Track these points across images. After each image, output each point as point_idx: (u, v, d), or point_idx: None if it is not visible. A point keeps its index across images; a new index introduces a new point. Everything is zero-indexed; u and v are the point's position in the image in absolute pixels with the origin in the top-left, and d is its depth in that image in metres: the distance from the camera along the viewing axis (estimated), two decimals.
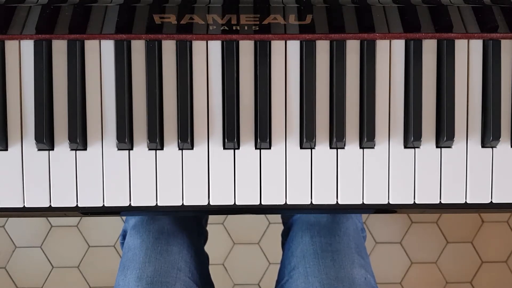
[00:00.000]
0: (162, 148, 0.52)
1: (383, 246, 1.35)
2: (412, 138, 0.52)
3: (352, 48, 0.52)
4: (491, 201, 0.53)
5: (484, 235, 1.47)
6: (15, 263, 1.44)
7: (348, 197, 0.52)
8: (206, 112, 0.52)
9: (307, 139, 0.51)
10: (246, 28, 0.51)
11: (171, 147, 0.52)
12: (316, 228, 0.70)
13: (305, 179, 0.52)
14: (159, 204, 0.52)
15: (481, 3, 0.52)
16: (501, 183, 0.53)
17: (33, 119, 0.51)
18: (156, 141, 0.51)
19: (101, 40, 0.52)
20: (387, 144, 0.53)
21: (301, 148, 0.52)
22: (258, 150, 0.52)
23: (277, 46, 0.52)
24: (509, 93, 0.53)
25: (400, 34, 0.52)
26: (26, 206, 0.52)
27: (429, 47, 0.53)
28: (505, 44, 0.53)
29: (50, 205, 0.52)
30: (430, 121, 0.53)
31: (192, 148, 0.52)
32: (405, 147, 0.53)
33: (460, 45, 0.53)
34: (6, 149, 0.52)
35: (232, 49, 0.52)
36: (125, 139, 0.51)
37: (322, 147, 0.52)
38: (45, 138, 0.51)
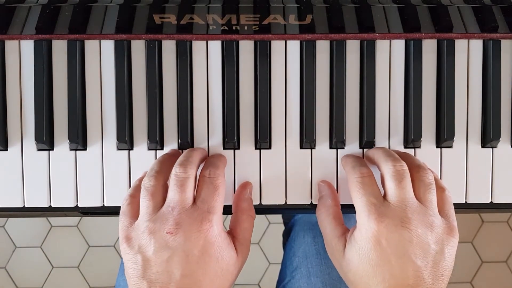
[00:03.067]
0: (162, 148, 0.52)
1: None
2: (412, 138, 0.52)
3: (352, 48, 0.52)
4: (491, 201, 0.53)
5: (484, 235, 1.47)
6: (15, 263, 1.44)
7: (348, 196, 0.52)
8: (206, 112, 0.52)
9: (307, 139, 0.51)
10: (246, 28, 0.51)
11: (171, 147, 0.52)
12: (318, 228, 0.70)
13: (305, 179, 0.52)
14: None
15: (481, 3, 0.52)
16: (501, 183, 0.53)
17: (33, 119, 0.51)
18: (156, 141, 0.51)
19: (101, 40, 0.52)
20: (387, 144, 0.53)
21: (301, 148, 0.52)
22: (258, 150, 0.52)
23: (277, 46, 0.52)
24: (509, 93, 0.53)
25: (400, 34, 0.52)
26: (26, 206, 0.52)
27: (429, 47, 0.53)
28: (505, 44, 0.53)
29: (50, 205, 0.52)
30: (430, 121, 0.53)
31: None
32: (405, 147, 0.53)
33: (460, 45, 0.53)
34: (6, 149, 0.52)
35: (232, 49, 0.52)
36: (125, 139, 0.51)
37: (322, 147, 0.52)
38: (45, 138, 0.51)
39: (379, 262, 0.43)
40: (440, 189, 0.47)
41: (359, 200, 0.45)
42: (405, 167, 0.46)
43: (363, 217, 0.44)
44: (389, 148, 0.53)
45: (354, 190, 0.46)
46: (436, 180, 0.48)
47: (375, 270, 0.43)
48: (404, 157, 0.48)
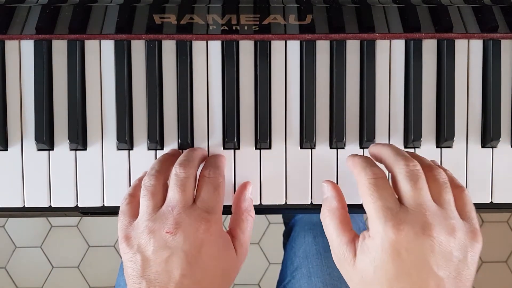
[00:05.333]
0: (162, 148, 0.52)
1: None
2: (412, 138, 0.52)
3: (352, 48, 0.52)
4: (491, 201, 0.53)
5: (484, 235, 1.47)
6: (15, 263, 1.44)
7: (348, 196, 0.52)
8: (206, 112, 0.52)
9: (307, 139, 0.51)
10: (246, 28, 0.51)
11: (171, 147, 0.52)
12: (319, 228, 0.70)
13: (305, 179, 0.52)
14: None
15: (481, 3, 0.52)
16: (501, 183, 0.53)
17: (33, 119, 0.51)
18: (156, 141, 0.51)
19: (101, 40, 0.52)
20: None
21: (301, 148, 0.52)
22: (258, 150, 0.52)
23: (277, 46, 0.52)
24: (509, 93, 0.53)
25: (400, 34, 0.52)
26: (26, 206, 0.52)
27: (429, 47, 0.53)
28: (505, 44, 0.53)
29: (50, 205, 0.52)
30: (430, 121, 0.53)
31: None
32: (405, 147, 0.53)
33: (460, 45, 0.53)
34: (6, 149, 0.52)
35: (232, 49, 0.52)
36: (125, 139, 0.51)
37: (322, 147, 0.52)
38: (45, 138, 0.51)
39: (398, 276, 0.39)
40: (458, 189, 0.43)
41: (372, 205, 0.40)
42: (419, 166, 0.42)
43: (378, 224, 0.39)
44: None
45: (367, 194, 0.41)
46: (451, 178, 0.44)
47: (392, 284, 0.39)
48: (412, 156, 0.45)
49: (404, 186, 0.41)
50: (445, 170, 0.45)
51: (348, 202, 0.52)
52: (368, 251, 0.40)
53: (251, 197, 0.51)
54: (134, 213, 0.46)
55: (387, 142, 0.53)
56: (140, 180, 0.49)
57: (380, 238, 0.39)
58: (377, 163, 0.46)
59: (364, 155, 0.52)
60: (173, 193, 0.45)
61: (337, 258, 0.45)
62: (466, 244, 0.40)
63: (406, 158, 0.42)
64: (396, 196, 0.42)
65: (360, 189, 0.43)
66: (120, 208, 0.47)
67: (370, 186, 0.41)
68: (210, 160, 0.49)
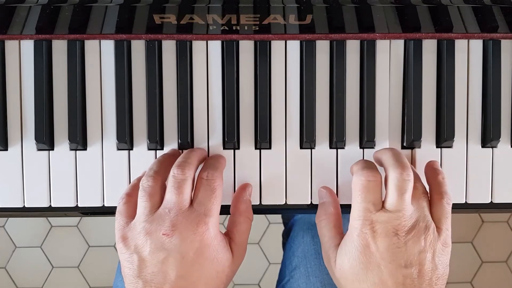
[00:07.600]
0: (162, 148, 0.52)
1: None
2: (412, 138, 0.52)
3: (352, 48, 0.52)
4: (491, 201, 0.53)
5: (484, 235, 1.47)
6: (15, 263, 1.44)
7: (347, 197, 0.52)
8: (206, 112, 0.52)
9: (307, 139, 0.51)
10: (246, 28, 0.51)
11: (171, 147, 0.52)
12: None
13: (305, 179, 0.52)
14: None
15: (481, 3, 0.52)
16: (501, 183, 0.53)
17: (33, 119, 0.51)
18: (156, 141, 0.51)
19: (101, 40, 0.52)
20: (387, 144, 0.53)
21: (301, 148, 0.52)
22: (258, 150, 0.52)
23: (277, 46, 0.52)
24: (509, 93, 0.53)
25: (400, 34, 0.52)
26: (26, 206, 0.52)
27: (429, 47, 0.53)
28: (505, 44, 0.53)
29: (50, 205, 0.52)
30: (430, 121, 0.53)
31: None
32: (405, 147, 0.53)
33: (460, 45, 0.53)
34: (6, 149, 0.52)
35: (232, 49, 0.52)
36: (125, 139, 0.51)
37: (322, 147, 0.52)
38: (45, 138, 0.51)
39: (369, 267, 0.43)
40: (439, 195, 0.46)
41: (357, 204, 0.45)
42: (411, 177, 0.45)
43: (357, 221, 0.44)
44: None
45: (356, 193, 0.45)
46: (439, 184, 0.47)
47: (366, 274, 0.44)
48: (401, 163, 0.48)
49: (392, 193, 0.44)
50: (437, 174, 0.48)
51: (347, 202, 0.52)
52: (345, 245, 0.45)
53: (250, 199, 0.51)
54: (131, 213, 0.46)
55: (387, 142, 0.53)
56: (139, 179, 0.49)
57: (356, 234, 0.44)
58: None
59: (358, 156, 0.52)
60: (170, 195, 0.45)
61: (326, 257, 0.49)
62: (434, 246, 0.44)
63: (402, 166, 0.45)
64: (381, 199, 0.45)
65: (353, 185, 0.46)
66: (117, 208, 0.47)
67: (361, 187, 0.45)
68: (209, 162, 0.49)
